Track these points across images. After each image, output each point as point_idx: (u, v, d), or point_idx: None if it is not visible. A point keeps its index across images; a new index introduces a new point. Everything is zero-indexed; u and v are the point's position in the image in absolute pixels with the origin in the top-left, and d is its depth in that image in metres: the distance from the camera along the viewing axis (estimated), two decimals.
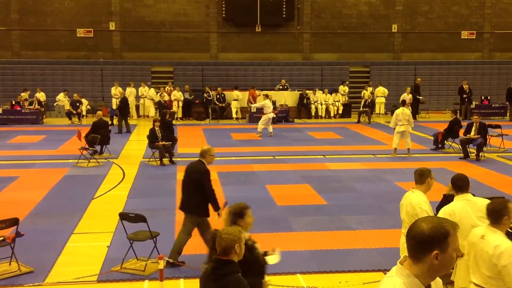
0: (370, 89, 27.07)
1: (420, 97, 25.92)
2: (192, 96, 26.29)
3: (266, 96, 22.10)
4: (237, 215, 5.16)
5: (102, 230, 9.70)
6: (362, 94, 27.15)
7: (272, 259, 5.37)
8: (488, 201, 5.94)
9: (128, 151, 17.64)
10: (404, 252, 6.18)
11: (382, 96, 27.17)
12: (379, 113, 27.09)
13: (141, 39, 28.12)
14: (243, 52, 28.68)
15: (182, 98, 25.78)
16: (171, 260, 7.81)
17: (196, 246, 8.45)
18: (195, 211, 8.01)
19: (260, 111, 21.89)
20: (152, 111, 25.49)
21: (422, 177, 6.46)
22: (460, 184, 6.02)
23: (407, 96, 23.52)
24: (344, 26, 29.12)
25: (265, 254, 5.30)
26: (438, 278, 2.73)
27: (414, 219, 6.16)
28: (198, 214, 7.98)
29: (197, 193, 7.94)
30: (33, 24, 27.61)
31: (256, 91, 25.91)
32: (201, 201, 7.96)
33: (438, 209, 8.31)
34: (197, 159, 8.18)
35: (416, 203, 6.29)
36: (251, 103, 24.99)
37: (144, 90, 25.95)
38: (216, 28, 28.52)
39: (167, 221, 10.10)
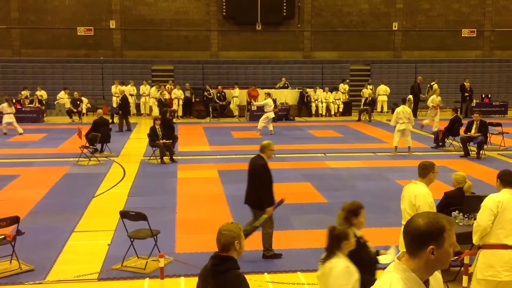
0: (370, 87, 27.05)
1: (422, 95, 25.87)
2: (193, 95, 26.28)
3: (268, 95, 22.07)
4: (352, 212, 5.21)
5: (103, 228, 9.71)
6: (362, 92, 27.09)
7: (385, 258, 5.34)
8: None
9: (128, 150, 17.65)
10: (403, 245, 6.22)
11: (384, 94, 27.13)
12: (383, 112, 26.96)
13: (141, 38, 28.11)
14: (243, 50, 28.66)
15: (182, 97, 25.76)
16: (267, 254, 8.08)
17: (196, 244, 8.46)
18: (255, 205, 8.19)
19: (261, 109, 21.88)
20: (155, 109, 25.43)
21: (424, 171, 6.53)
22: (510, 180, 6.01)
23: (436, 99, 21.26)
24: (344, 24, 29.09)
25: (377, 253, 5.34)
26: (438, 274, 2.75)
27: (416, 210, 6.21)
28: (258, 207, 8.16)
29: (254, 186, 8.12)
30: (34, 22, 27.60)
31: (257, 89, 25.88)
32: (258, 194, 8.11)
33: (438, 207, 8.34)
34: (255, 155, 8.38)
35: (420, 194, 6.33)
36: (251, 102, 24.98)
37: (145, 88, 25.95)
38: (217, 27, 28.50)
39: (168, 219, 10.11)
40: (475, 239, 6.00)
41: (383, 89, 27.07)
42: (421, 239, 2.56)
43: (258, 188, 8.05)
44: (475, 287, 5.88)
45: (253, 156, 8.52)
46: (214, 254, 4.22)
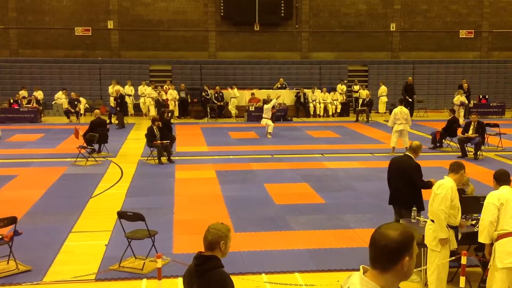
0: (356, 87, 27.05)
1: (410, 99, 25.31)
2: (188, 95, 26.26)
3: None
4: None
5: (100, 229, 9.70)
6: (359, 94, 26.92)
7: None
8: None
9: (126, 150, 17.63)
10: (428, 236, 6.51)
11: (384, 95, 27.03)
12: (385, 112, 26.73)
13: (139, 38, 28.09)
14: (241, 51, 28.66)
15: (177, 97, 25.70)
16: None
17: (193, 245, 8.44)
18: (402, 203, 8.32)
19: (259, 110, 21.75)
20: (151, 109, 25.42)
21: (459, 167, 6.85)
22: (506, 179, 6.44)
23: (460, 98, 23.74)
24: (342, 25, 29.12)
25: None
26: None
27: (433, 197, 6.49)
28: (404, 207, 8.26)
29: (405, 186, 8.23)
30: (31, 22, 27.56)
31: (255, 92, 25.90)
32: (409, 194, 8.20)
33: None
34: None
35: (445, 184, 6.61)
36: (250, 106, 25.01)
37: (144, 89, 25.93)
38: (215, 27, 28.50)
39: (165, 219, 10.10)
40: (482, 238, 6.10)
41: (383, 89, 26.99)
42: (399, 251, 2.46)
43: (412, 188, 8.20)
44: (496, 278, 5.92)
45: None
46: (196, 255, 4.22)
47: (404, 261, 2.47)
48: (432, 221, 6.63)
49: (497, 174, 6.52)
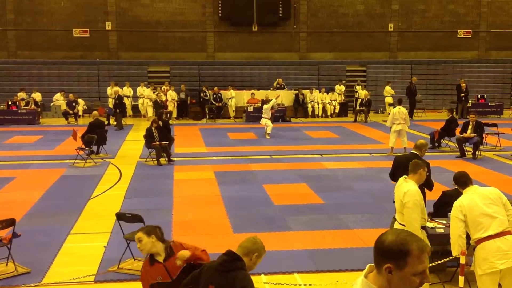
0: (358, 87, 27.09)
1: (415, 94, 25.82)
2: (188, 96, 26.26)
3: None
4: None
5: (99, 230, 9.69)
6: (357, 94, 26.95)
7: None
8: (491, 188, 6.18)
9: (124, 151, 17.62)
10: None
11: (389, 96, 26.95)
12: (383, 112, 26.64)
13: (137, 39, 28.09)
14: (239, 52, 28.66)
15: (176, 98, 25.69)
16: None
17: None
18: None
19: (258, 111, 21.73)
20: (149, 110, 25.42)
21: (416, 167, 6.69)
22: (465, 180, 6.26)
23: None
24: (340, 25, 29.13)
25: None
26: None
27: (403, 206, 6.38)
28: None
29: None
30: (29, 24, 27.55)
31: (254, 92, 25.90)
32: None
33: (435, 205, 8.37)
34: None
35: (409, 191, 6.47)
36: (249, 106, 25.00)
37: (142, 90, 25.92)
38: (213, 28, 28.51)
39: (164, 221, 10.07)
40: (455, 251, 6.07)
41: (387, 90, 26.91)
42: (381, 254, 2.40)
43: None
44: (480, 284, 5.94)
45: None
46: (227, 251, 4.28)
47: (384, 268, 2.38)
48: (403, 225, 6.58)
49: (457, 178, 6.31)
